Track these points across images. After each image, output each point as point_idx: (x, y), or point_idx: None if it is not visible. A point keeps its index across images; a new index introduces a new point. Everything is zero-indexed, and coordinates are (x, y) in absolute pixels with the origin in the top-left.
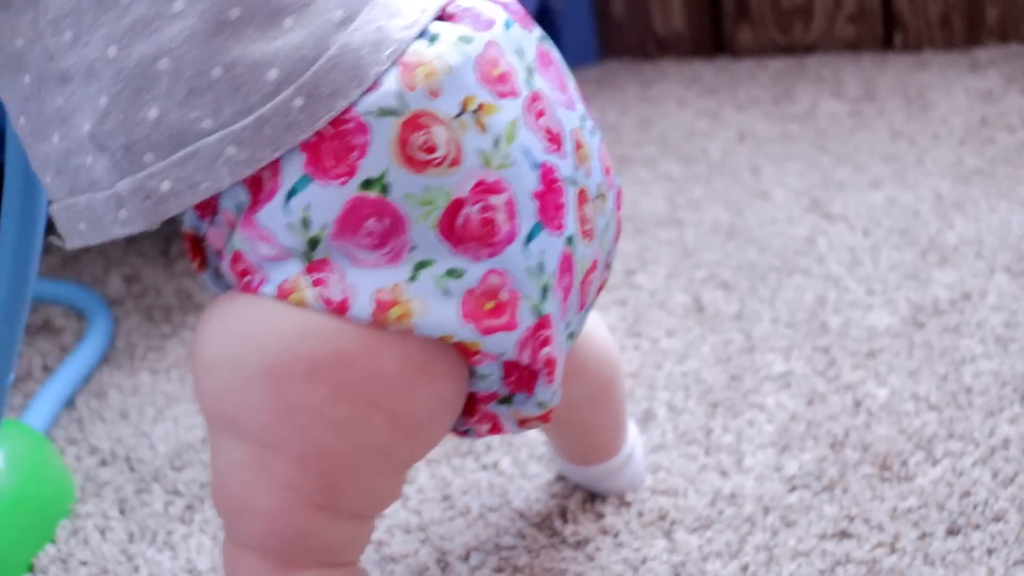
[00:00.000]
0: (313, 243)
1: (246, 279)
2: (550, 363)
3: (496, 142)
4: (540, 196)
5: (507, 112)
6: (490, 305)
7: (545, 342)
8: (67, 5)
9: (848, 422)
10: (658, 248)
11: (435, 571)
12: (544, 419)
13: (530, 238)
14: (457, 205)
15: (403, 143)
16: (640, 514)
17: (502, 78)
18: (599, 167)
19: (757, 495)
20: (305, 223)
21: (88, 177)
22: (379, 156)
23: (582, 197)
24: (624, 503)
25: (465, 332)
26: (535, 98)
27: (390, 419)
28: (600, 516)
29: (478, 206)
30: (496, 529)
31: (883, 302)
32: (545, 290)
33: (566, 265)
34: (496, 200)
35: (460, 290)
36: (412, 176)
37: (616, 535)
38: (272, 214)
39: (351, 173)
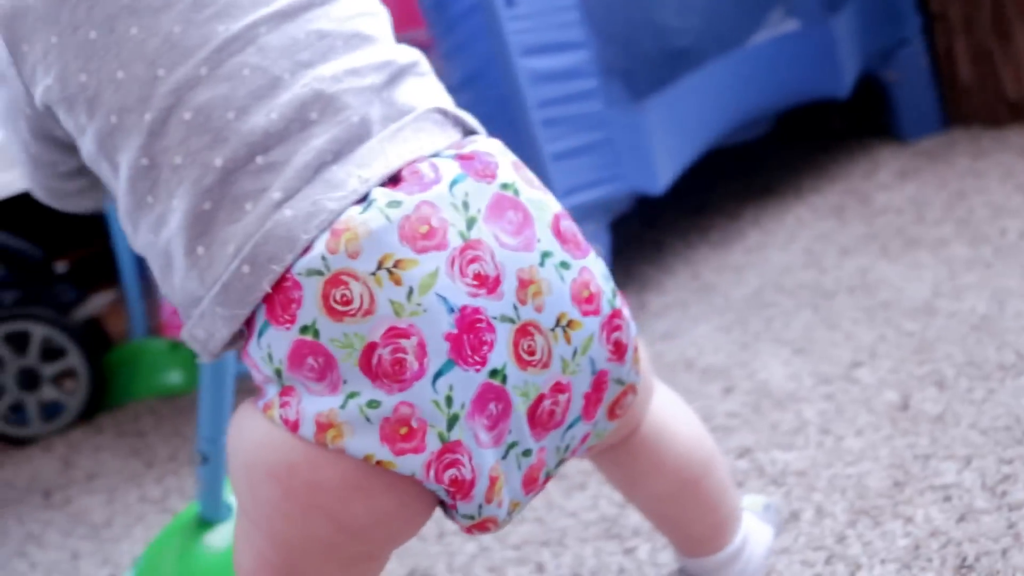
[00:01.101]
0: (278, 373)
1: (258, 393)
2: (456, 483)
3: (409, 293)
4: (453, 338)
5: (426, 265)
6: (404, 431)
7: (451, 465)
8: (125, 206)
9: (989, 546)
10: (896, 340)
11: None
12: (482, 528)
13: (439, 375)
14: (371, 348)
15: (326, 297)
16: None
17: (428, 234)
18: (564, 299)
19: None
20: (270, 357)
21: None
22: (310, 307)
23: (524, 331)
24: None
25: (382, 453)
26: (469, 247)
27: (332, 522)
28: None
29: (389, 348)
30: None
31: None
32: (453, 420)
33: (488, 396)
34: (406, 343)
35: (378, 418)
36: (334, 324)
37: None
38: (254, 349)
39: (293, 320)
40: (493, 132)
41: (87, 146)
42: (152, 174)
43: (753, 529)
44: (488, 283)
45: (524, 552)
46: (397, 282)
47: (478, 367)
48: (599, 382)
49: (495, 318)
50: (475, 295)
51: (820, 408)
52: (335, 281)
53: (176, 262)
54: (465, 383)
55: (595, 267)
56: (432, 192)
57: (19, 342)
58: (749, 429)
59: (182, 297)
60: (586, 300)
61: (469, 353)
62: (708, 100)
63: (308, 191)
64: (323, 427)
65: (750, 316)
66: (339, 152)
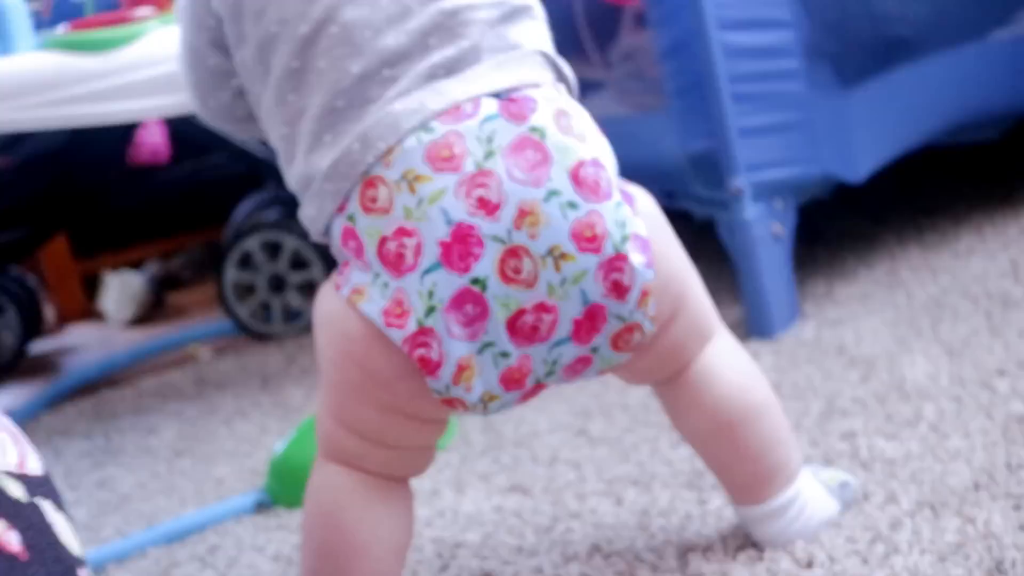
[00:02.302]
0: (337, 251)
1: None
2: (423, 361)
3: (420, 202)
4: (445, 245)
5: (438, 183)
6: (398, 310)
7: (421, 344)
8: (267, 103)
9: None
10: None
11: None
12: (451, 404)
13: (427, 272)
14: (384, 240)
15: (362, 195)
16: (751, 569)
17: (448, 158)
18: (561, 233)
19: None
20: (333, 239)
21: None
22: (353, 202)
23: (512, 252)
24: (759, 555)
25: (379, 321)
26: (481, 175)
27: (360, 367)
28: (733, 558)
29: (395, 243)
30: (648, 545)
31: None
32: (430, 310)
33: (467, 298)
34: (408, 241)
35: (386, 295)
36: (364, 216)
37: None
38: (330, 231)
39: (343, 210)
40: (690, 103)
41: (247, 52)
42: (299, 76)
43: (815, 498)
44: (488, 207)
45: (613, 487)
46: (412, 192)
47: (461, 272)
48: (593, 313)
49: (487, 236)
50: (473, 214)
51: (942, 407)
52: (370, 183)
53: (302, 148)
54: (447, 283)
55: (610, 213)
56: (463, 125)
57: (273, 251)
58: (865, 416)
59: (300, 181)
60: (587, 239)
61: (456, 259)
62: (928, 94)
63: (418, 94)
64: (355, 292)
65: (922, 315)
66: (451, 69)
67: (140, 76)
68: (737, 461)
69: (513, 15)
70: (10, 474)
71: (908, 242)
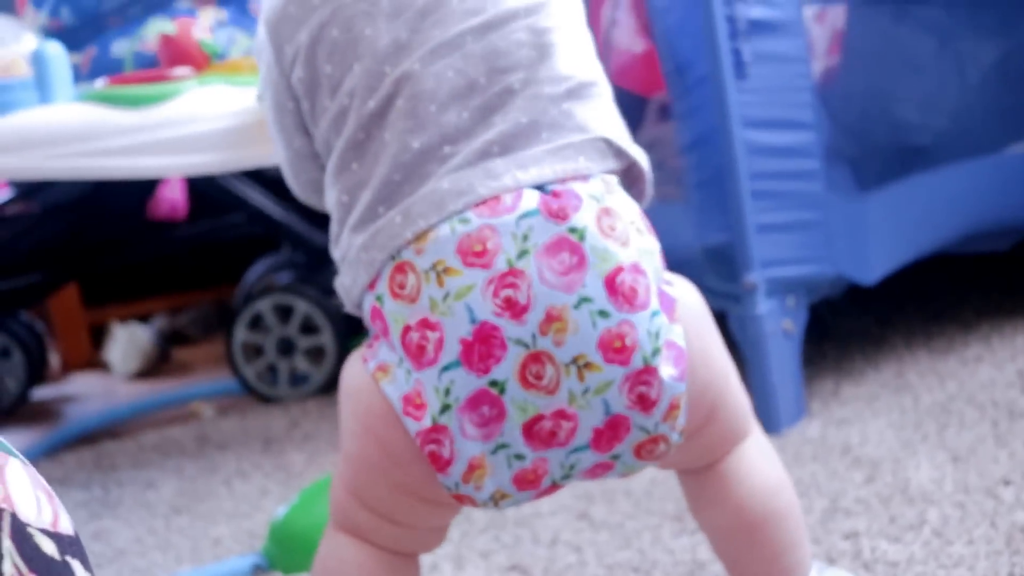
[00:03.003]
0: (368, 325)
1: None
2: (434, 457)
3: (446, 296)
4: (466, 343)
5: (468, 278)
6: (418, 400)
7: (433, 441)
8: (330, 169)
9: None
10: None
11: None
12: (461, 500)
13: (446, 368)
14: (407, 328)
15: (392, 279)
16: None
17: (480, 253)
18: (589, 343)
19: None
20: (364, 314)
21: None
22: (382, 283)
23: (535, 358)
24: None
25: (397, 407)
26: (511, 274)
27: (379, 444)
28: None
29: (418, 334)
30: None
31: None
32: (445, 408)
33: (483, 400)
34: (430, 334)
35: (407, 383)
36: (391, 300)
37: None
38: (362, 305)
39: (374, 288)
40: (710, 196)
41: (323, 124)
42: (364, 146)
43: None
44: (515, 309)
45: (613, 573)
46: (440, 284)
47: (480, 374)
48: (615, 423)
49: (510, 339)
50: (499, 315)
51: (946, 512)
52: (400, 268)
53: (355, 217)
54: (464, 383)
55: (643, 324)
56: (499, 219)
57: (284, 314)
58: (868, 517)
59: (343, 248)
60: (615, 350)
61: (476, 360)
62: (943, 202)
63: (468, 173)
64: (379, 369)
65: (928, 420)
66: (505, 147)
67: (174, 134)
68: (752, 561)
69: (579, 90)
70: (44, 531)
71: (916, 346)
